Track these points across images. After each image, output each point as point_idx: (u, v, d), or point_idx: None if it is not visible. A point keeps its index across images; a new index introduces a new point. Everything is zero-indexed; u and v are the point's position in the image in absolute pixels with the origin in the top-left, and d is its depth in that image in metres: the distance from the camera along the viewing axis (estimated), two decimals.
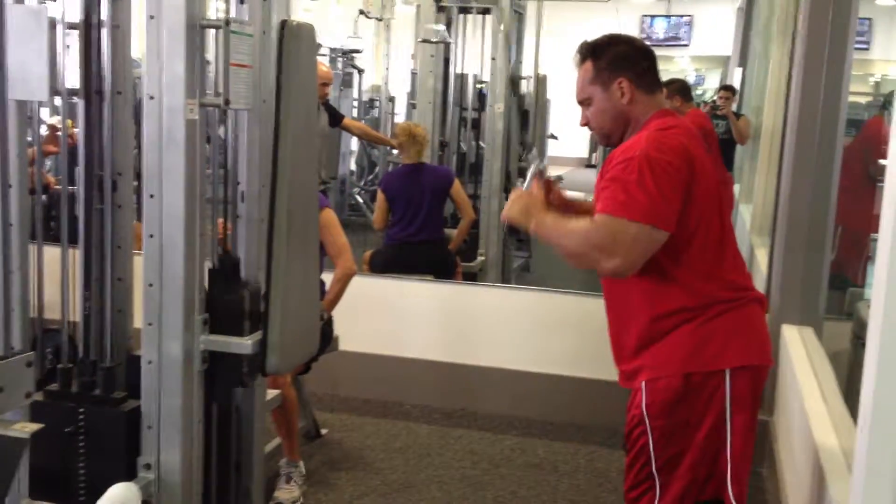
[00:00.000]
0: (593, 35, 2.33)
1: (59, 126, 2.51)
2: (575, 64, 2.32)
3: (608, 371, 2.52)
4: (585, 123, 2.33)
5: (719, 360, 2.14)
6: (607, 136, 2.31)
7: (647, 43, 2.83)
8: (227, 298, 2.39)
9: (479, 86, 6.70)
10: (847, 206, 3.87)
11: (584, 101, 2.30)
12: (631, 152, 2.11)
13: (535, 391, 4.32)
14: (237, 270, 2.48)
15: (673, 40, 15.58)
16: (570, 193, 2.50)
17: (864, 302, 3.51)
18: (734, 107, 7.26)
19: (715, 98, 7.86)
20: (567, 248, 2.18)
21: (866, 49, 12.11)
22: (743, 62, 8.74)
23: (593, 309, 2.91)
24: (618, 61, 2.24)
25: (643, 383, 2.20)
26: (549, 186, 2.39)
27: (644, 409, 2.19)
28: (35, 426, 1.97)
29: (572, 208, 2.42)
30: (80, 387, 2.37)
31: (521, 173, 5.83)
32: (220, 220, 2.54)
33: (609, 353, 2.35)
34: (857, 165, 4.43)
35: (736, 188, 6.73)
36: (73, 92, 2.36)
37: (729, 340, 2.15)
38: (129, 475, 2.27)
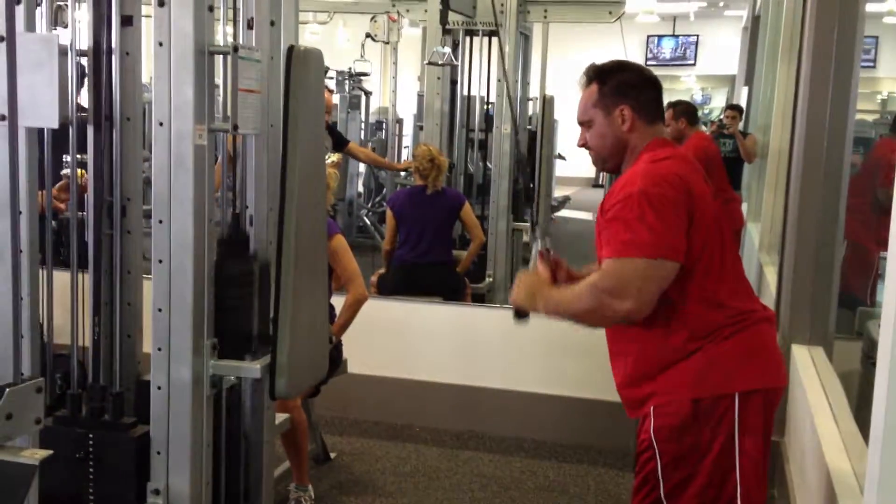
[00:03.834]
0: (600, 55, 2.34)
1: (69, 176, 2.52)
2: (580, 85, 2.32)
3: (616, 393, 2.51)
4: (583, 144, 2.34)
5: (728, 385, 2.13)
6: (604, 160, 2.31)
7: (654, 63, 2.84)
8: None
9: (485, 107, 6.72)
10: (856, 225, 3.86)
11: (584, 123, 2.31)
12: (628, 189, 2.11)
13: (544, 413, 4.30)
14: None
15: (679, 60, 15.63)
16: (571, 270, 2.45)
17: (874, 321, 3.49)
18: (741, 126, 7.26)
19: (721, 117, 7.86)
20: (579, 310, 2.16)
21: (872, 67, 12.13)
22: (749, 81, 8.74)
23: (602, 331, 2.90)
24: (623, 88, 2.25)
25: (651, 408, 2.19)
26: (558, 264, 2.38)
27: (652, 435, 2.18)
28: (44, 452, 1.97)
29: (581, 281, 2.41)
30: (90, 412, 2.37)
31: (528, 195, 5.82)
32: None
33: None
34: (866, 186, 4.43)
35: (744, 207, 6.72)
36: (83, 120, 2.38)
37: (738, 364, 2.14)
38: (139, 500, 2.27)
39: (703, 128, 8.10)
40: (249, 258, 2.46)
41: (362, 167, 8.69)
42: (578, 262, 2.44)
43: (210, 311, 2.35)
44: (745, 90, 9.11)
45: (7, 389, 1.93)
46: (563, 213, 10.31)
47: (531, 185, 5.65)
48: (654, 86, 2.30)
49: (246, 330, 2.40)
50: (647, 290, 2.07)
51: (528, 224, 6.16)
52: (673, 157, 2.20)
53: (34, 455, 1.94)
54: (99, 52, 2.38)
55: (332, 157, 5.05)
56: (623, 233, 2.07)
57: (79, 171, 2.46)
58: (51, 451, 1.99)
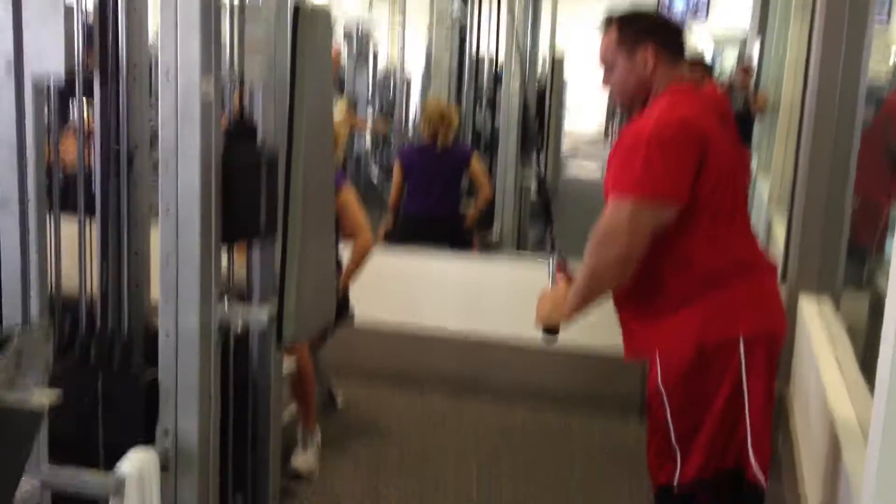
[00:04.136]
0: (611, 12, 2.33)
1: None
2: (601, 29, 2.31)
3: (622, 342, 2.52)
4: (606, 85, 2.33)
5: (732, 329, 2.14)
6: (628, 101, 2.30)
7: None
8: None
9: (494, 68, 6.68)
10: (866, 179, 3.83)
11: (606, 66, 2.29)
12: (639, 131, 2.11)
13: (549, 361, 4.32)
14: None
15: (691, 15, 15.45)
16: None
17: (881, 273, 3.48)
18: (752, 81, 7.20)
19: (733, 72, 7.79)
20: (592, 274, 2.17)
21: (886, 21, 11.96)
22: (761, 36, 8.64)
23: None
24: (646, 29, 2.25)
25: (657, 356, 2.20)
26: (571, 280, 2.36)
27: (660, 382, 2.19)
28: (54, 394, 1.99)
29: None
30: (99, 358, 2.39)
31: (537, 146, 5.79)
32: None
33: None
34: (878, 139, 4.38)
35: (753, 162, 6.69)
36: (89, 67, 2.37)
37: (741, 310, 2.14)
38: (148, 442, 2.30)
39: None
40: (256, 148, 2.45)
41: (370, 122, 8.66)
42: (584, 218, 2.43)
43: (218, 260, 2.36)
44: (757, 45, 9.02)
45: (16, 332, 1.96)
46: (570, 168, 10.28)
47: (538, 138, 5.61)
48: (676, 27, 2.31)
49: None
50: (637, 232, 2.08)
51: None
52: (692, 100, 2.19)
53: (44, 398, 1.96)
54: (105, 2, 2.36)
55: (340, 105, 5.03)
56: (627, 175, 2.08)
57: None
58: (60, 393, 2.01)
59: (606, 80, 2.31)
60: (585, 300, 2.22)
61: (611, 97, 2.40)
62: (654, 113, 2.16)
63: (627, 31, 2.25)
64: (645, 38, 2.22)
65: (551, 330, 2.30)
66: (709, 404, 2.16)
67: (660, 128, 2.09)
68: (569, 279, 2.34)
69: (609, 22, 2.28)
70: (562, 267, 2.36)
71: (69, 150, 2.76)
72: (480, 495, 3.24)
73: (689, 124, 2.11)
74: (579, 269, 2.23)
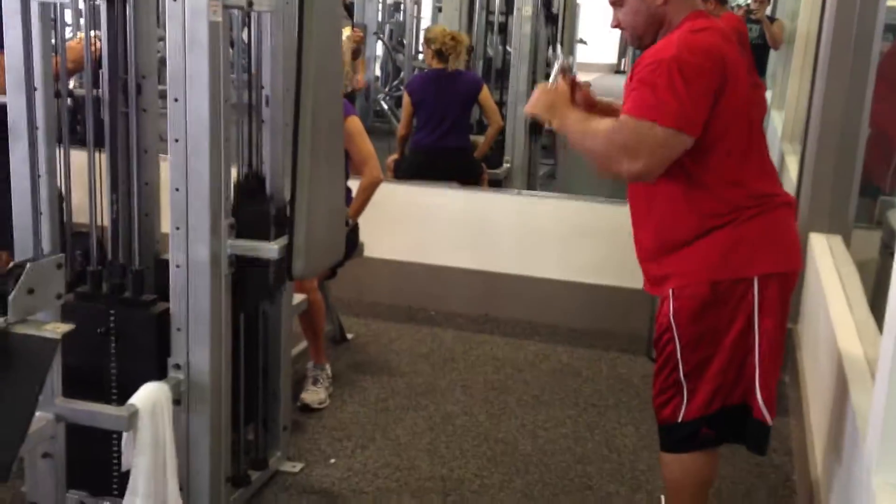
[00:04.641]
0: None
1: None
2: None
3: (632, 278, 2.52)
4: (617, 25, 2.27)
5: (747, 268, 2.13)
6: (640, 37, 2.25)
7: None
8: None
9: None
10: (879, 111, 3.78)
11: (616, 2, 2.24)
12: (662, 54, 2.06)
13: (558, 298, 4.34)
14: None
15: None
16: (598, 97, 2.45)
17: (893, 211, 3.46)
18: (768, 11, 7.07)
19: (749, 2, 7.65)
20: (590, 149, 2.16)
21: None
22: None
23: (618, 217, 2.89)
24: None
25: (671, 291, 2.19)
26: (575, 85, 2.35)
27: (671, 317, 2.19)
28: (67, 326, 2.01)
29: (598, 109, 2.38)
30: (110, 289, 2.41)
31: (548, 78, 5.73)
32: None
33: (633, 260, 2.35)
34: (892, 70, 4.31)
35: (768, 94, 6.60)
36: None
37: (756, 247, 2.13)
38: (160, 375, 2.32)
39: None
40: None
41: (379, 50, 8.54)
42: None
43: (227, 190, 2.35)
44: None
45: (28, 264, 1.96)
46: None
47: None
48: None
49: None
50: (658, 155, 2.06)
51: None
52: (712, 28, 2.14)
53: (57, 329, 1.98)
54: None
55: (347, 31, 4.95)
56: (649, 95, 2.04)
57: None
58: (73, 325, 2.02)
59: (616, 21, 2.26)
60: (576, 148, 2.21)
61: (622, 35, 2.34)
62: (674, 37, 2.11)
63: None
64: None
65: (538, 126, 2.28)
66: (719, 341, 2.16)
67: (683, 51, 2.04)
68: (572, 82, 2.32)
69: None
70: (565, 71, 2.34)
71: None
72: (488, 430, 3.28)
73: (712, 51, 2.07)
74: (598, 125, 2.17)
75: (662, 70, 2.03)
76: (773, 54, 6.91)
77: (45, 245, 2.28)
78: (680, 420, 2.22)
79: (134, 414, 2.15)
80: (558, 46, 4.97)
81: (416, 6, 8.80)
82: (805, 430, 2.98)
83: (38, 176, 2.27)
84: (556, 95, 2.24)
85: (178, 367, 2.33)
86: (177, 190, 2.29)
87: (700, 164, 2.11)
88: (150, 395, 2.20)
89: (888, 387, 1.62)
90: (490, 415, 3.40)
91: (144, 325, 2.37)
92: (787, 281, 2.20)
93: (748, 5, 7.37)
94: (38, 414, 2.04)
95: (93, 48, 2.39)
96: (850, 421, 2.18)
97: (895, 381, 1.62)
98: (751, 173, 2.16)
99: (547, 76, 5.84)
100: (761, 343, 2.14)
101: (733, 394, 2.19)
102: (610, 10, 2.26)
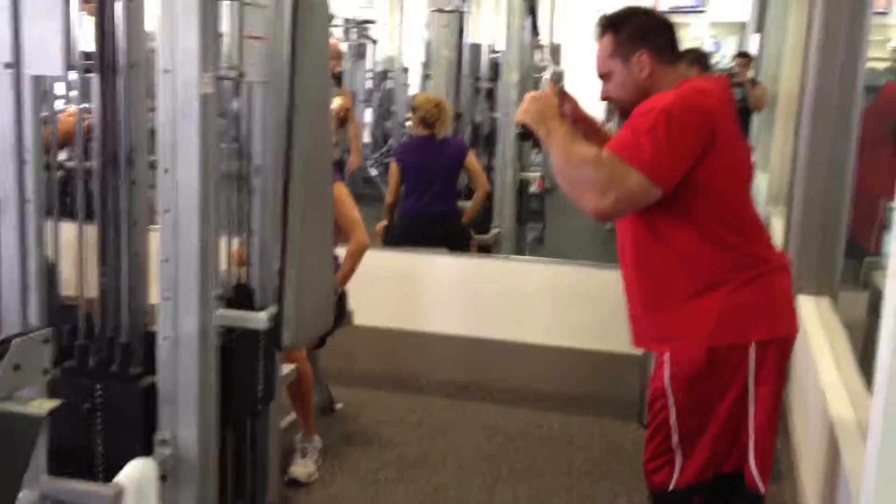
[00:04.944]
0: (609, 1, 2.30)
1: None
2: (595, 37, 2.29)
3: (622, 343, 2.51)
4: (606, 97, 2.30)
5: (744, 334, 2.13)
6: (628, 110, 2.28)
7: (664, 10, 2.80)
8: None
9: (493, 56, 6.64)
10: (861, 172, 3.82)
11: (604, 75, 2.27)
12: (657, 103, 2.08)
13: (549, 364, 4.32)
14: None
15: (689, 6, 15.40)
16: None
17: (879, 272, 3.48)
18: (751, 74, 7.18)
19: (732, 65, 7.78)
20: (568, 173, 2.12)
21: (885, 14, 11.93)
22: (760, 28, 8.62)
23: (607, 281, 2.90)
24: (638, 34, 2.22)
25: (667, 356, 2.18)
26: (565, 95, 2.37)
27: (667, 382, 2.18)
28: (52, 403, 1.98)
29: (586, 123, 2.41)
30: (97, 363, 2.38)
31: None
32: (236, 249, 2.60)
33: (622, 324, 2.34)
34: (873, 128, 4.37)
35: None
36: (87, 68, 2.35)
37: (754, 313, 2.13)
38: (147, 451, 2.29)
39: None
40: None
41: (368, 117, 8.63)
42: (581, 218, 2.40)
43: (216, 260, 2.35)
44: (756, 37, 8.99)
45: (14, 340, 1.94)
46: None
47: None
48: (668, 28, 2.27)
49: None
50: (628, 200, 2.06)
51: (535, 174, 6.14)
52: (710, 92, 2.16)
53: (42, 406, 1.95)
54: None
55: (338, 100, 4.99)
56: (632, 138, 2.05)
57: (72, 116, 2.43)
58: (59, 402, 2.00)
59: (605, 92, 2.29)
60: (555, 161, 2.17)
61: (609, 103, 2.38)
62: (672, 93, 2.13)
63: (620, 37, 2.22)
64: (639, 44, 2.20)
65: (527, 134, 2.26)
66: (715, 407, 2.15)
67: (675, 105, 2.06)
68: (561, 92, 2.34)
69: (602, 27, 2.26)
70: (556, 80, 2.34)
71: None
72: (480, 501, 3.24)
73: (705, 113, 2.09)
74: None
75: (652, 117, 2.05)
76: (755, 117, 7.00)
77: (33, 319, 2.27)
78: (671, 488, 2.20)
79: (119, 493, 2.11)
80: (549, 56, 4.99)
81: (404, 73, 8.92)
82: (798, 494, 2.95)
83: (27, 249, 2.26)
84: (545, 105, 2.23)
85: (164, 442, 2.30)
86: (166, 261, 2.28)
87: (694, 225, 2.12)
88: (135, 473, 2.16)
89: (879, 449, 1.61)
90: (482, 486, 3.36)
91: (131, 399, 2.34)
92: (784, 347, 2.19)
93: (730, 69, 7.50)
94: (22, 494, 2.00)
95: (83, 122, 2.40)
96: (843, 484, 2.16)
97: (886, 444, 1.61)
98: (744, 236, 2.17)
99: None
100: (757, 411, 2.13)
101: (727, 462, 2.17)
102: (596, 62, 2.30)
